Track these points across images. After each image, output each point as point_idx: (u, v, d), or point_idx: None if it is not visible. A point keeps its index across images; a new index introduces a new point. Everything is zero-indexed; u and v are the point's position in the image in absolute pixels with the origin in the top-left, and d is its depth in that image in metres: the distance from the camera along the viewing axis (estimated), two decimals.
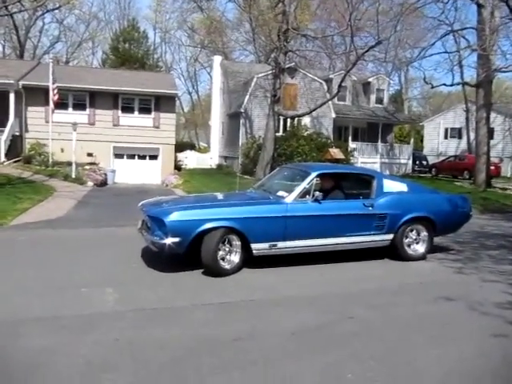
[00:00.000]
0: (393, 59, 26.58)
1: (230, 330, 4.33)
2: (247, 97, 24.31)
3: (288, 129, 24.14)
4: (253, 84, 24.25)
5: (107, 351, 3.79)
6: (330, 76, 27.79)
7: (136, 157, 22.53)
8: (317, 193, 6.38)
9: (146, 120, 22.55)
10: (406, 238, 7.09)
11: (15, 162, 19.45)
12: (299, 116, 22.13)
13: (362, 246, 6.92)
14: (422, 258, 7.18)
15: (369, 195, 7.01)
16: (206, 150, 37.75)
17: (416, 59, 24.71)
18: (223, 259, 5.96)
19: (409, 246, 7.14)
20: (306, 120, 24.57)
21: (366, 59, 22.87)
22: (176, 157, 24.68)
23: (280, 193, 6.64)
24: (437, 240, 7.95)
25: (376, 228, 6.81)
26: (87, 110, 21.95)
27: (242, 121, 24.67)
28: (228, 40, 46.64)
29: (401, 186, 7.36)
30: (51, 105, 19.12)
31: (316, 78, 25.77)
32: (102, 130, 21.60)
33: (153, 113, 22.70)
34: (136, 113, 22.60)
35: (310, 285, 5.88)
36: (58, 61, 33.76)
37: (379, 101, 29.58)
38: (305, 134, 22.97)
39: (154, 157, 22.67)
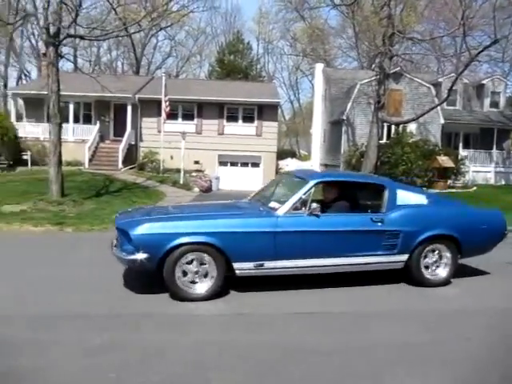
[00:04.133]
0: (511, 59, 24.52)
1: (331, 339, 4.26)
2: (350, 104, 23.91)
3: (392, 136, 23.29)
4: (356, 91, 23.80)
5: (211, 351, 3.92)
6: (439, 80, 26.30)
7: (239, 164, 23.27)
8: (314, 204, 5.50)
9: (249, 128, 23.22)
10: (425, 259, 6.01)
11: (130, 168, 21.13)
12: (404, 122, 21.26)
13: (368, 268, 5.89)
14: (444, 283, 6.10)
15: (379, 208, 5.99)
16: (306, 158, 37.77)
17: None
18: (193, 281, 5.17)
19: (427, 268, 6.04)
20: (412, 126, 23.49)
21: (480, 60, 21.33)
22: (277, 164, 25.03)
23: (272, 204, 5.77)
24: None
25: (386, 247, 5.78)
26: (195, 119, 23.19)
27: (343, 128, 24.30)
28: (330, 47, 46.49)
29: (419, 198, 6.24)
30: (163, 116, 20.51)
31: (423, 83, 24.56)
32: (208, 139, 22.67)
33: (256, 121, 23.32)
34: (240, 122, 23.38)
35: (407, 299, 5.60)
36: (170, 75, 36.20)
37: (494, 104, 27.32)
38: (410, 141, 21.97)
39: (255, 164, 23.23)
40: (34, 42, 42.99)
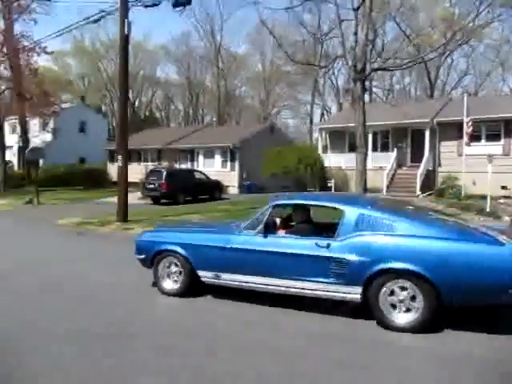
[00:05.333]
0: None
1: None
2: None
3: None
4: None
5: None
6: None
7: None
8: (260, 226, 5.82)
9: None
10: (389, 297, 5.07)
11: (428, 194, 20.54)
12: None
13: (313, 294, 5.52)
14: (412, 329, 4.91)
15: (334, 233, 5.50)
16: None
17: None
18: (172, 279, 6.47)
19: (393, 308, 5.07)
20: None
21: None
22: None
23: (244, 223, 6.19)
24: None
25: (332, 275, 5.29)
26: (501, 140, 20.85)
27: None
28: None
29: (399, 226, 5.18)
30: (465, 138, 19.19)
31: None
32: None
33: None
34: None
35: None
36: (469, 93, 33.93)
37: None
38: None
39: None
40: (333, 80, 47.59)
